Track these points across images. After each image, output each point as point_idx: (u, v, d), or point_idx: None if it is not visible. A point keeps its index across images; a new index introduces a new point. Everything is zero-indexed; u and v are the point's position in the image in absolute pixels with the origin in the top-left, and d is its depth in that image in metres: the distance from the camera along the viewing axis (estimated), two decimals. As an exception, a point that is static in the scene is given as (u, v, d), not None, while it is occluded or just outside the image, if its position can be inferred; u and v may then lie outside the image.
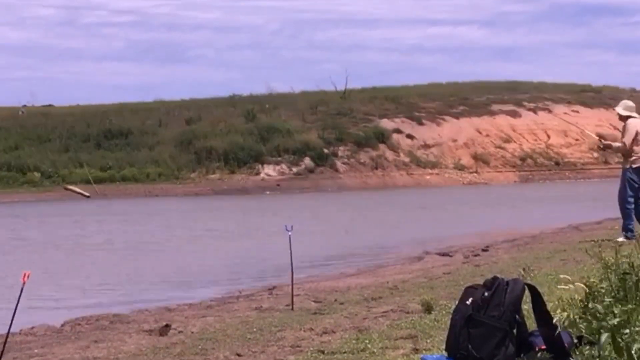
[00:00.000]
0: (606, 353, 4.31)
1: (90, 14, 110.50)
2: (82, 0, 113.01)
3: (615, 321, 4.65)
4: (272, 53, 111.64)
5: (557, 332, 4.74)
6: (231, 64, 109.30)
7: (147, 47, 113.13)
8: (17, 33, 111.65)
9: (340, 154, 45.46)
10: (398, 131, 48.17)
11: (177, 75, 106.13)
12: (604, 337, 4.40)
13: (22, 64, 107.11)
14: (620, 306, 5.04)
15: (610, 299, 5.26)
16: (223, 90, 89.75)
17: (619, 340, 4.32)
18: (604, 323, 4.70)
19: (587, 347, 4.60)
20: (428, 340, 5.94)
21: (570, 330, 4.98)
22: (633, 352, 4.13)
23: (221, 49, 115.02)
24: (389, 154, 46.32)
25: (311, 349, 6.31)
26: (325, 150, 45.09)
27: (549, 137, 50.83)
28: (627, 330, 4.51)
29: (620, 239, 11.37)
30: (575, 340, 4.77)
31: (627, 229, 12.24)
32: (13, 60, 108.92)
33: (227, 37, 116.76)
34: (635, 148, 12.66)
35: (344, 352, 5.95)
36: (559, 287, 7.75)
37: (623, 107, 12.80)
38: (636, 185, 12.60)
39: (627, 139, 12.51)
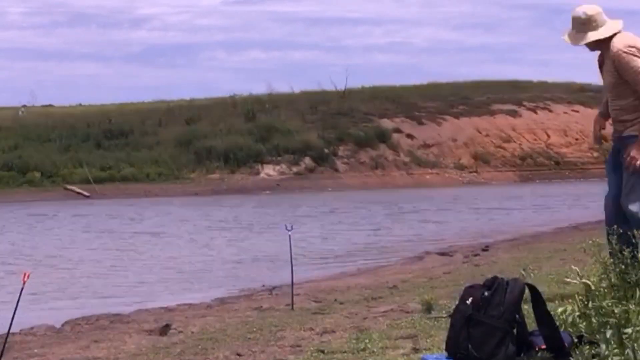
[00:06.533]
0: (607, 352, 4.31)
1: (108, 19, 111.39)
2: (105, 8, 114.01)
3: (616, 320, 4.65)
4: (276, 55, 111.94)
5: (557, 331, 4.74)
6: (235, 66, 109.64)
7: (157, 51, 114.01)
8: (40, 38, 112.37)
9: (340, 153, 45.45)
10: (398, 131, 48.15)
11: (179, 76, 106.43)
12: (608, 334, 4.40)
13: (27, 66, 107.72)
14: (620, 306, 5.04)
15: (610, 299, 5.26)
16: (223, 90, 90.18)
17: (624, 340, 4.32)
18: (608, 320, 4.70)
19: (587, 347, 4.61)
20: (428, 340, 5.94)
21: (570, 330, 4.98)
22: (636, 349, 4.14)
23: (228, 52, 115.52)
24: (389, 154, 46.30)
25: (311, 348, 6.31)
26: (325, 150, 45.07)
27: (548, 136, 50.81)
28: (629, 330, 4.51)
29: None
30: (575, 340, 4.77)
31: None
32: (20, 62, 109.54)
33: (233, 39, 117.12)
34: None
35: (344, 352, 5.95)
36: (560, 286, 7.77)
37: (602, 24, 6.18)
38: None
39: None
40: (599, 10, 6.25)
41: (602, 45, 6.22)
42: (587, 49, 6.39)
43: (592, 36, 6.19)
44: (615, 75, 6.19)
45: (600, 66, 6.40)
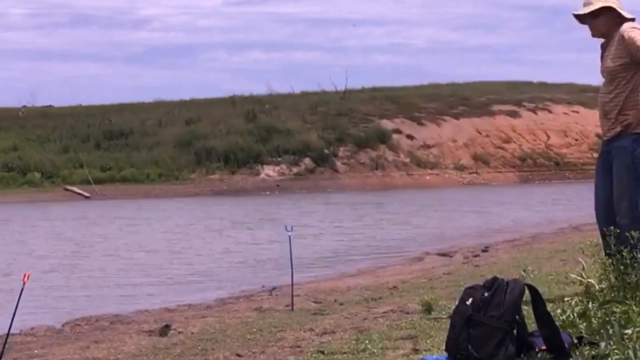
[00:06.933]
0: (607, 352, 4.31)
1: (110, 20, 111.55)
2: (106, 9, 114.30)
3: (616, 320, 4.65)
4: (277, 56, 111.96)
5: (557, 332, 4.74)
6: (236, 67, 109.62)
7: (158, 52, 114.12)
8: (41, 39, 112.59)
9: (340, 154, 45.44)
10: (398, 131, 48.15)
11: (180, 77, 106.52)
12: (609, 334, 4.40)
13: (28, 67, 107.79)
14: (620, 306, 5.05)
15: (610, 299, 5.27)
16: (224, 90, 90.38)
17: (625, 340, 4.32)
18: (609, 320, 4.69)
19: (587, 347, 4.61)
20: (428, 341, 5.94)
21: (570, 330, 4.98)
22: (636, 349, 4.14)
23: (229, 52, 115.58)
24: (389, 154, 46.30)
25: (311, 349, 6.31)
26: (325, 151, 45.07)
27: (548, 137, 50.80)
28: (629, 330, 4.51)
29: None
30: (575, 341, 4.78)
31: None
32: (21, 63, 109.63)
33: (234, 40, 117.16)
34: None
35: (344, 353, 5.95)
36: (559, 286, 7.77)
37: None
38: None
39: None
40: None
41: (609, 29, 6.19)
42: (592, 52, 6.39)
43: (605, 3, 6.12)
44: (616, 60, 6.12)
45: (602, 55, 6.32)
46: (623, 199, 6.09)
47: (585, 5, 6.26)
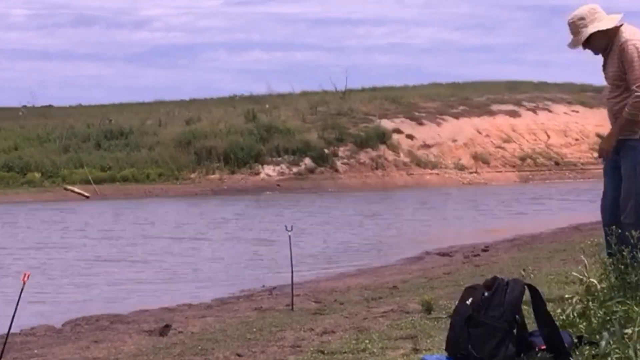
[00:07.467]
0: (607, 351, 4.31)
1: (111, 21, 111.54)
2: (108, 9, 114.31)
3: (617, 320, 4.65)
4: (277, 56, 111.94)
5: (557, 332, 4.74)
6: (236, 67, 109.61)
7: (159, 52, 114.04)
8: (43, 39, 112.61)
9: (340, 154, 45.39)
10: (398, 131, 48.10)
11: (180, 77, 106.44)
12: (609, 333, 4.40)
13: (29, 67, 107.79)
14: (620, 306, 5.05)
15: (610, 299, 5.26)
16: (224, 90, 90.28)
17: (625, 339, 4.32)
18: (609, 319, 4.70)
19: (587, 347, 4.61)
20: (428, 340, 5.95)
21: (570, 329, 4.99)
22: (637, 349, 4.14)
23: (229, 52, 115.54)
24: (389, 154, 46.25)
25: (311, 349, 6.32)
26: (325, 150, 45.03)
27: (548, 137, 50.77)
28: (629, 330, 4.51)
29: None
30: (575, 340, 4.78)
31: None
32: (22, 63, 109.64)
33: (235, 40, 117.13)
34: None
35: (344, 352, 5.95)
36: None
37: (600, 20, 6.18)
38: None
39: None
40: (590, 9, 6.26)
41: (608, 42, 6.20)
42: (591, 54, 6.38)
43: (592, 29, 6.15)
44: (618, 68, 6.14)
45: (605, 61, 6.31)
46: (630, 198, 6.11)
47: (573, 34, 6.28)
